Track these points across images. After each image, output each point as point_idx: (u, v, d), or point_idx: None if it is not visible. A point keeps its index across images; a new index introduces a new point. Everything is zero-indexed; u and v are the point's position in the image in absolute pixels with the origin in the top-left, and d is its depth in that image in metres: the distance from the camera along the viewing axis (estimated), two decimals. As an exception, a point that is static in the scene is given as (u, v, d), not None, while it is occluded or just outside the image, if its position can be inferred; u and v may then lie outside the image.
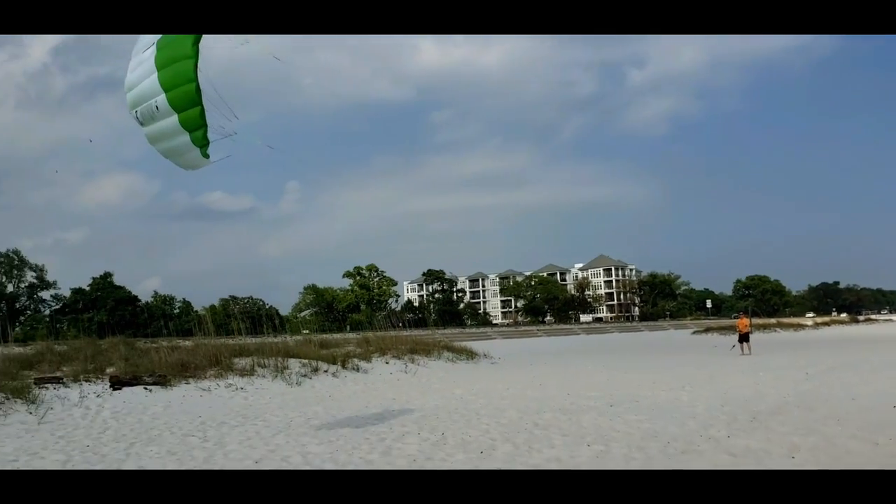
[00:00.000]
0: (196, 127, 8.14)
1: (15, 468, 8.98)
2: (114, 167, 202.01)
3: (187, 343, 20.63)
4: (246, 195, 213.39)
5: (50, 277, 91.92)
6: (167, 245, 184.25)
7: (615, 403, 14.14)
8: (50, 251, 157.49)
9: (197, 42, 8.07)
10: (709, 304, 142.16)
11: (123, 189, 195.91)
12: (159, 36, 8.12)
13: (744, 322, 31.25)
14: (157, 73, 8.13)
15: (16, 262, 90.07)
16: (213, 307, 76.55)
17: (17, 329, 66.54)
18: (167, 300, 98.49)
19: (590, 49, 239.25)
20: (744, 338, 30.06)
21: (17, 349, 19.25)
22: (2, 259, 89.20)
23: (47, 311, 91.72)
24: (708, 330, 63.85)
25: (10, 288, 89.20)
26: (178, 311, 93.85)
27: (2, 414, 12.52)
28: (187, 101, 8.03)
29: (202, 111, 8.03)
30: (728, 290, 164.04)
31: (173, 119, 8.19)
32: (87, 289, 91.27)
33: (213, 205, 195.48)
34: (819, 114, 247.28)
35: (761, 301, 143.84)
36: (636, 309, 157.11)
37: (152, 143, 8.71)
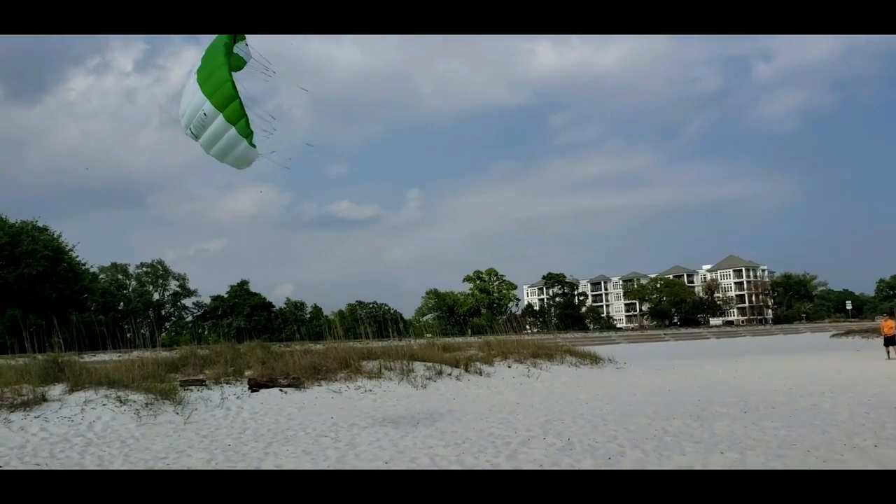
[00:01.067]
0: (238, 117, 8.93)
1: (165, 465, 9.67)
2: (249, 181, 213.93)
3: (318, 346, 21.44)
4: (370, 204, 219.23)
5: (191, 286, 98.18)
6: (298, 253, 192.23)
7: (750, 410, 13.56)
8: (192, 261, 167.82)
9: (228, 47, 8.97)
10: (849, 305, 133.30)
11: (258, 201, 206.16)
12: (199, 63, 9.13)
13: (889, 324, 29.12)
14: (199, 88, 9.06)
15: (160, 272, 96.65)
16: (341, 312, 79.20)
17: (163, 334, 71.37)
18: (299, 306, 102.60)
19: (712, 44, 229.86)
20: (889, 341, 28.02)
21: (163, 353, 20.60)
22: (148, 269, 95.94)
23: (190, 318, 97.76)
24: (849, 333, 59.95)
25: (156, 296, 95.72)
26: (309, 316, 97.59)
27: (152, 414, 13.48)
28: (227, 98, 8.88)
29: (240, 103, 8.83)
30: (870, 290, 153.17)
31: (220, 118, 9.00)
32: (226, 296, 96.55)
33: (340, 214, 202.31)
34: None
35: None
36: (769, 311, 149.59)
37: (207, 149, 9.52)
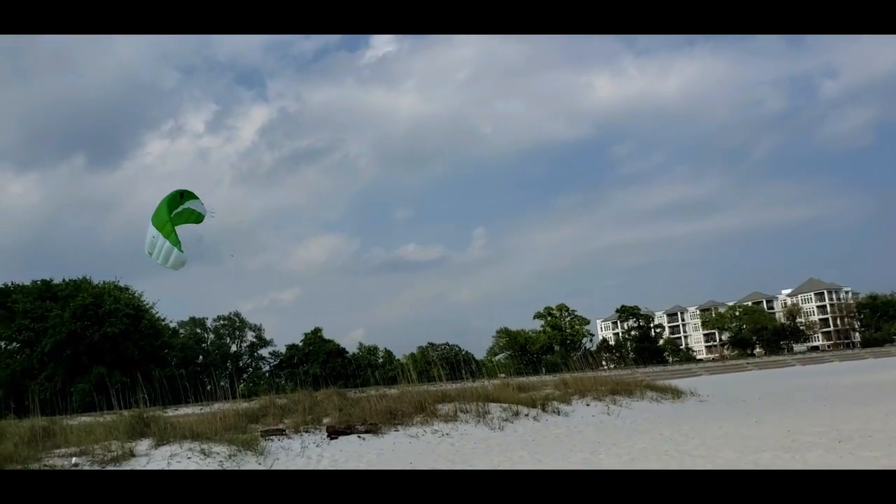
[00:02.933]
0: (169, 234, 13.94)
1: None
2: (319, 230, 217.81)
3: (393, 391, 21.51)
4: (436, 245, 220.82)
5: (267, 336, 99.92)
6: (368, 298, 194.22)
7: (844, 439, 12.91)
8: (266, 311, 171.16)
9: (174, 202, 14.23)
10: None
11: (328, 249, 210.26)
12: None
13: None
14: (151, 225, 14.23)
15: (237, 324, 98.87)
16: (412, 355, 79.37)
17: (241, 385, 72.73)
18: (371, 350, 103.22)
19: (775, 64, 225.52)
20: None
21: (243, 404, 20.98)
22: (225, 322, 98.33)
23: (266, 368, 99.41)
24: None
25: (233, 348, 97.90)
26: (381, 360, 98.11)
27: (235, 465, 13.69)
28: (163, 225, 14.00)
29: (172, 228, 13.93)
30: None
31: (161, 238, 14.00)
32: (300, 344, 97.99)
33: (407, 257, 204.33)
34: None
35: None
36: (856, 334, 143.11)
37: (156, 258, 14.24)
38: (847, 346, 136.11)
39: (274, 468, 13.48)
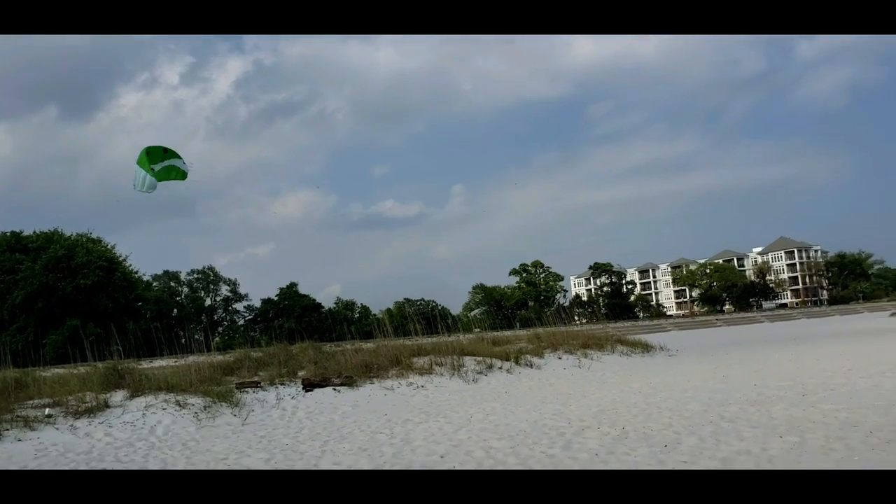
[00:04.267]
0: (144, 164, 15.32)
1: (226, 466, 9.89)
2: (295, 184, 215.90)
3: (369, 345, 21.67)
4: (415, 202, 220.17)
5: (242, 290, 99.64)
6: (345, 254, 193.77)
7: (808, 393, 13.31)
8: (242, 266, 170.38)
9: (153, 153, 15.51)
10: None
11: (305, 204, 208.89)
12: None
13: None
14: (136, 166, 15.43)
15: (211, 278, 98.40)
16: (389, 310, 79.69)
17: (216, 339, 72.70)
18: (348, 305, 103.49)
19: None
20: None
21: (218, 357, 21.02)
22: (199, 276, 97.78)
23: (242, 321, 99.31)
24: (911, 311, 58.18)
25: (207, 302, 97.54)
26: (358, 315, 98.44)
27: (210, 416, 13.78)
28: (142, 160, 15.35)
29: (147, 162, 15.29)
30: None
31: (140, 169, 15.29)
32: (276, 298, 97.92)
33: (385, 213, 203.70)
34: None
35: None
36: (824, 292, 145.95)
37: (136, 187, 15.33)
38: (815, 303, 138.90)
39: (248, 422, 13.60)
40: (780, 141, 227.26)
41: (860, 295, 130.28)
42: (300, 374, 17.71)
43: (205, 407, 14.13)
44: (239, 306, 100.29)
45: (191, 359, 20.45)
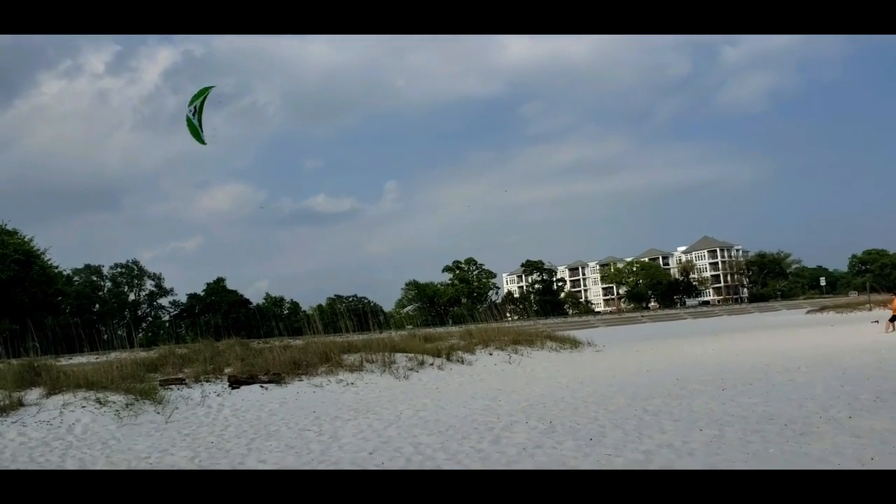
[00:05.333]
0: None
1: (149, 465, 9.62)
2: (224, 178, 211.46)
3: (298, 342, 21.38)
4: (347, 197, 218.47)
5: (167, 285, 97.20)
6: (275, 249, 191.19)
7: (727, 387, 13.76)
8: (168, 260, 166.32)
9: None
10: (823, 281, 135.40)
11: (234, 197, 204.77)
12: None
13: None
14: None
15: (135, 272, 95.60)
16: (320, 307, 78.97)
17: (140, 335, 70.63)
18: (277, 302, 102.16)
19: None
20: None
21: (141, 354, 20.41)
22: (123, 270, 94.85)
23: (167, 317, 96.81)
24: (823, 309, 60.91)
25: (131, 297, 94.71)
26: (287, 311, 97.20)
27: (133, 414, 13.36)
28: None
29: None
30: (843, 266, 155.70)
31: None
32: (202, 294, 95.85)
33: (316, 208, 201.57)
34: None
35: (880, 276, 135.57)
36: (745, 290, 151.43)
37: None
38: (736, 300, 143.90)
39: (172, 420, 13.25)
40: (704, 144, 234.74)
41: (779, 293, 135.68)
42: (226, 371, 17.35)
43: (127, 405, 13.69)
44: (164, 301, 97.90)
45: (113, 355, 19.81)
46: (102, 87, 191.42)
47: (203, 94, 17.55)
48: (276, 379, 16.58)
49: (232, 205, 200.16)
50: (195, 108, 17.37)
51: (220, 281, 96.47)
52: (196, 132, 17.72)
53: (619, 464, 7.92)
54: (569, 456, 8.46)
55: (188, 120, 17.57)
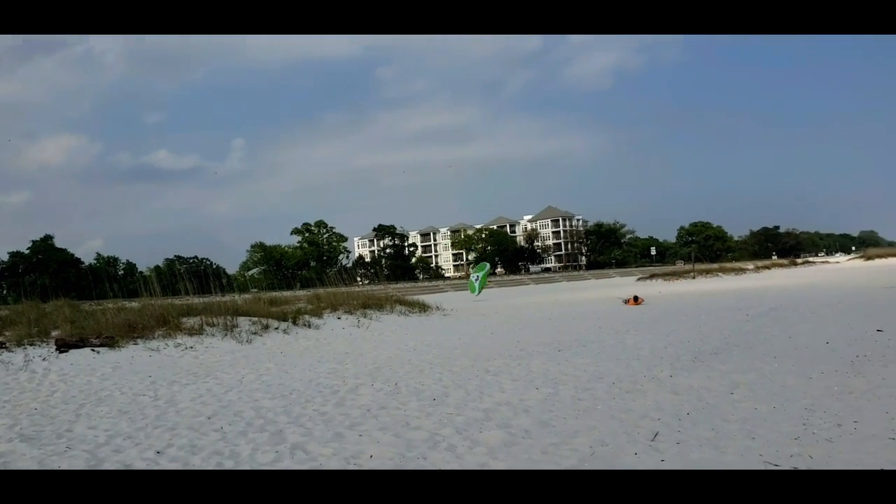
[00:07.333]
0: None
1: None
2: (55, 128, 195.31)
3: (134, 304, 20.29)
4: (191, 154, 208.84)
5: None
6: (111, 206, 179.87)
7: (563, 348, 14.49)
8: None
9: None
10: (653, 251, 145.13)
11: (66, 150, 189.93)
12: None
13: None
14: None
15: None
16: (158, 268, 75.23)
17: (-47, 296, 64.40)
18: (111, 262, 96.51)
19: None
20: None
21: (-45, 316, 18.66)
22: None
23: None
24: (652, 276, 65.28)
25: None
26: (122, 272, 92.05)
27: (-57, 381, 12.22)
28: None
29: None
30: (672, 237, 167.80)
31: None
32: (27, 252, 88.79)
33: (157, 164, 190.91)
34: (754, 64, 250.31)
35: (704, 247, 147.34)
36: (583, 258, 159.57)
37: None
38: (575, 268, 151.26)
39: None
40: (551, 117, 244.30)
41: (614, 261, 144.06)
42: (54, 334, 16.22)
43: (-67, 372, 12.50)
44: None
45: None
46: None
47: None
48: (110, 342, 15.71)
49: (64, 158, 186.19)
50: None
51: (47, 238, 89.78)
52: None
53: (459, 422, 8.15)
54: (412, 416, 8.61)
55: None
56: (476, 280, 42.33)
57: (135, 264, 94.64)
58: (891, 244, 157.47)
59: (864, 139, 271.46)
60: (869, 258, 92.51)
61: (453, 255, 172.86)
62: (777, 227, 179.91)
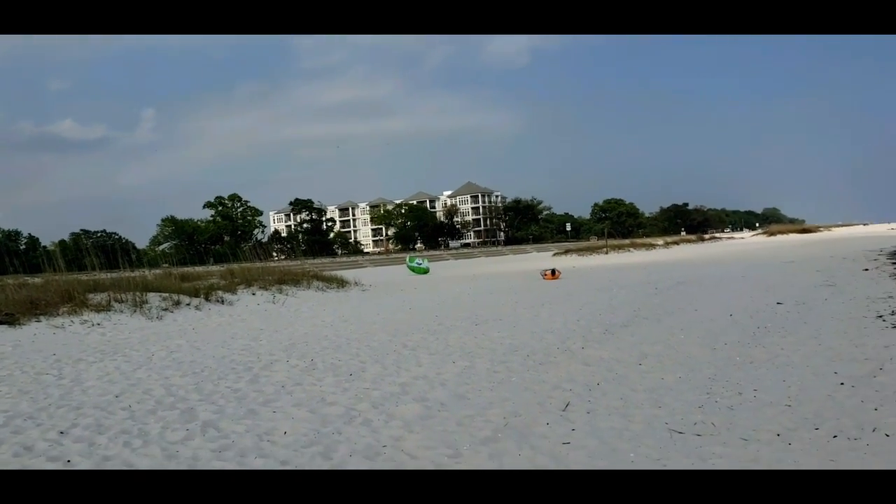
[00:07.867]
0: None
1: None
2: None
3: (36, 280, 19.38)
4: (98, 124, 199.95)
5: None
6: (10, 177, 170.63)
7: (480, 322, 14.68)
8: None
9: None
10: (568, 227, 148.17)
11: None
12: None
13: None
14: None
15: None
16: (62, 242, 72.13)
17: None
18: (11, 235, 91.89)
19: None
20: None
21: None
22: None
23: None
24: (567, 252, 66.64)
25: None
26: (24, 247, 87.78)
27: None
28: None
29: None
30: (587, 213, 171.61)
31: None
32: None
33: (62, 134, 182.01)
34: (666, 45, 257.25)
35: (617, 223, 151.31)
36: (501, 234, 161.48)
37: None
38: (493, 243, 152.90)
39: None
40: (470, 93, 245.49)
41: (531, 237, 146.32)
42: (-54, 312, 15.34)
43: None
44: None
45: None
46: None
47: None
48: (10, 320, 14.99)
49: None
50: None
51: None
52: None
53: (375, 397, 8.16)
54: (328, 392, 8.56)
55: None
56: (419, 265, 44.54)
57: (38, 238, 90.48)
58: (792, 221, 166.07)
59: (770, 122, 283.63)
60: (772, 234, 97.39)
61: (373, 230, 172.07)
62: (686, 204, 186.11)
